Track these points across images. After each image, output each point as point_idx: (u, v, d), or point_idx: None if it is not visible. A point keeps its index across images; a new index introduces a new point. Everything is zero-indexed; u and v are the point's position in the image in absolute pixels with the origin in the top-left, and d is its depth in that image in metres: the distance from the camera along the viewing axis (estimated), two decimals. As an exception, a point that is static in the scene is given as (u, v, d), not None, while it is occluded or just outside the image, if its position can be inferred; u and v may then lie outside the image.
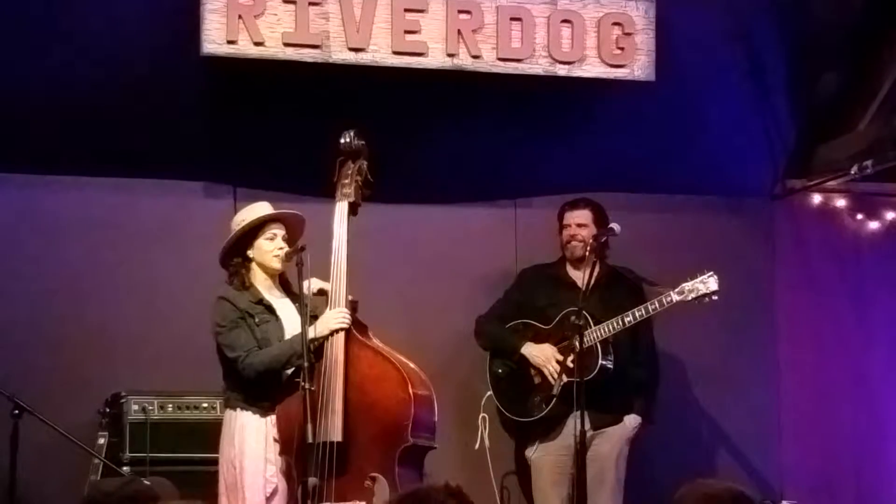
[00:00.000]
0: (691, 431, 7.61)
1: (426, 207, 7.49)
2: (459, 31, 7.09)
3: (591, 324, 6.55)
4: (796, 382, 7.82)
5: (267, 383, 5.96)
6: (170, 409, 6.67)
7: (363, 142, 6.11)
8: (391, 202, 6.97)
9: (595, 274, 6.48)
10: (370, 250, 6.55)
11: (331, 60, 6.98)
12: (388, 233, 7.24)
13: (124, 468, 6.39)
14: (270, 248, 6.07)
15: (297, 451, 5.73)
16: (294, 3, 6.93)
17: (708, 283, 6.56)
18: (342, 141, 6.11)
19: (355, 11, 6.97)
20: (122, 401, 6.62)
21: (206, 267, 6.66)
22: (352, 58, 6.99)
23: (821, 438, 7.80)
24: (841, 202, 8.00)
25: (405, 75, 7.07)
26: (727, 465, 7.59)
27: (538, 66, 7.20)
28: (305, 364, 5.61)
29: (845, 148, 7.73)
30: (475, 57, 7.12)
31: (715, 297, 6.59)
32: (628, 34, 7.27)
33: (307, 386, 5.57)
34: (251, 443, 5.93)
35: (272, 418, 5.95)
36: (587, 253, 6.72)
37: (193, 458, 6.51)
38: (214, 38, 6.85)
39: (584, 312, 6.28)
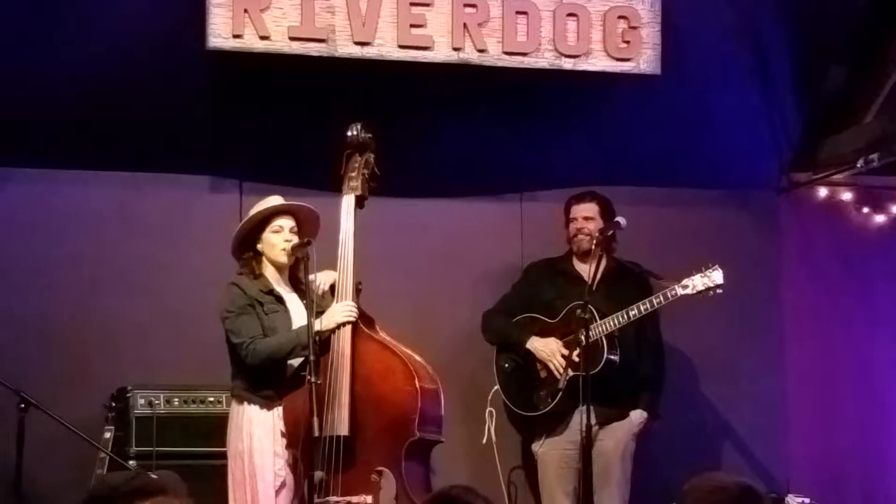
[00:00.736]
0: (697, 425, 7.60)
1: (432, 201, 7.49)
2: (465, 25, 7.09)
3: (597, 318, 6.55)
4: (802, 375, 7.81)
5: (270, 372, 5.97)
6: (176, 403, 6.66)
7: (370, 135, 6.11)
8: (397, 196, 6.98)
9: (601, 268, 6.48)
10: (377, 244, 6.54)
11: (336, 54, 6.98)
12: (395, 226, 7.23)
13: (130, 462, 6.38)
14: (277, 241, 6.07)
15: (303, 445, 5.73)
16: (300, -4, 6.94)
17: (712, 277, 6.56)
18: (349, 134, 6.11)
19: (361, 5, 6.98)
20: (129, 395, 6.62)
21: (212, 261, 6.68)
22: (357, 52, 7.00)
23: (827, 431, 7.80)
24: (847, 195, 7.99)
25: (411, 69, 7.08)
26: (733, 458, 7.58)
27: (544, 59, 7.20)
28: (312, 357, 5.61)
29: (851, 141, 7.72)
30: (481, 51, 7.12)
31: (719, 291, 6.58)
32: (634, 28, 7.27)
33: (314, 379, 5.57)
34: (259, 437, 5.94)
35: (279, 411, 5.95)
36: (593, 246, 6.71)
37: (199, 452, 6.51)
38: (220, 32, 6.85)
39: (589, 306, 6.28)
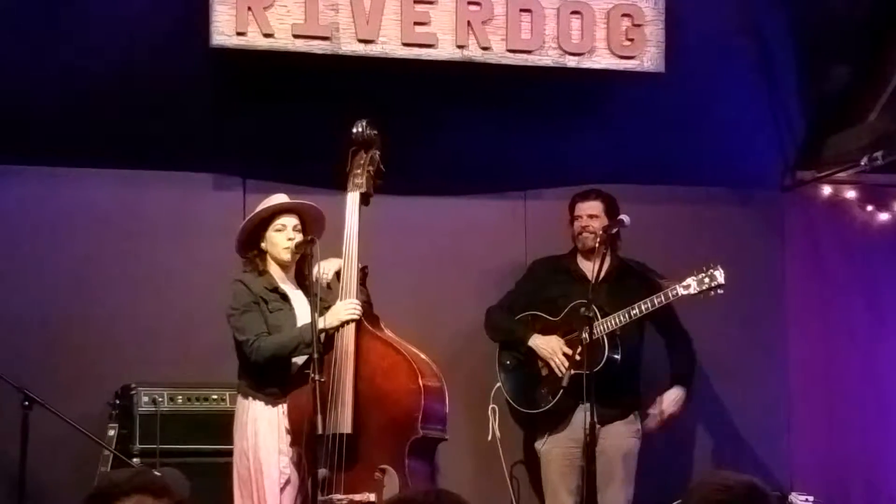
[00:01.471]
0: (701, 424, 7.59)
1: (435, 199, 7.49)
2: (469, 23, 7.08)
3: (599, 316, 6.55)
4: (806, 374, 7.81)
5: (274, 370, 5.97)
6: (180, 400, 6.66)
7: (375, 131, 6.10)
8: (401, 194, 6.96)
9: (605, 266, 6.48)
10: (381, 241, 6.54)
11: (340, 52, 6.97)
12: (399, 224, 7.23)
13: (134, 460, 6.39)
14: (280, 240, 6.08)
15: (307, 443, 5.73)
16: (303, -6, 6.93)
17: (714, 276, 6.55)
18: (354, 131, 6.10)
19: (365, 3, 6.96)
20: (133, 392, 6.62)
21: (215, 259, 6.68)
22: (361, 49, 6.99)
23: (831, 430, 7.79)
24: (851, 193, 7.98)
25: (415, 67, 7.07)
26: (737, 457, 7.56)
27: (548, 57, 7.19)
28: (315, 355, 5.61)
29: (855, 139, 7.72)
30: (485, 48, 7.11)
31: (721, 291, 6.58)
32: (638, 25, 7.26)
33: (317, 377, 5.57)
34: (264, 434, 5.94)
35: (284, 409, 5.95)
36: (597, 244, 6.71)
37: (203, 449, 6.52)
38: (224, 30, 6.85)
39: (592, 305, 6.28)
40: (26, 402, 5.99)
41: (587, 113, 7.43)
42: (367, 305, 6.03)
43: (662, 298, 6.61)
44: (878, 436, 7.86)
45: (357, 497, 5.76)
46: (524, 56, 7.17)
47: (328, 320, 5.91)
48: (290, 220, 6.09)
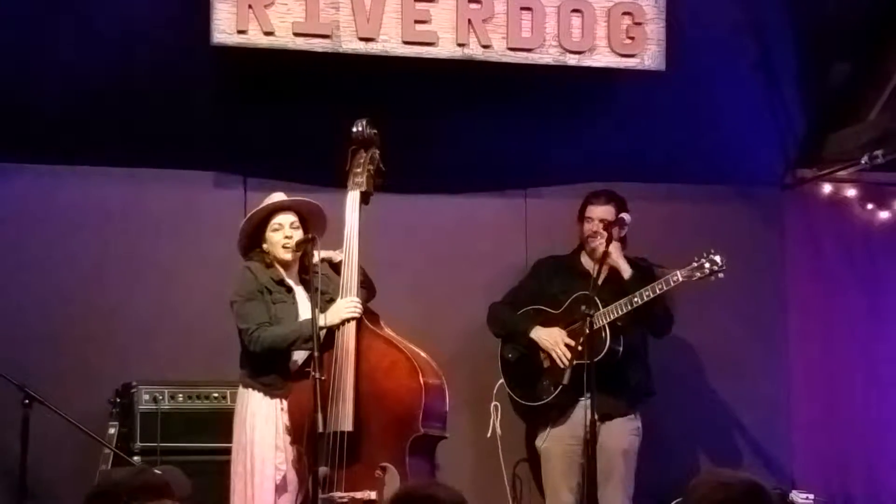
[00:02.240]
0: (702, 421, 7.59)
1: (436, 197, 7.48)
2: (470, 21, 7.08)
3: (600, 307, 6.54)
4: (806, 371, 7.81)
5: (272, 361, 5.99)
6: (180, 398, 6.67)
7: (375, 131, 6.11)
8: (401, 192, 6.96)
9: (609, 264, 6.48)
10: (381, 240, 6.54)
11: (341, 50, 6.98)
12: (399, 222, 7.23)
13: (135, 458, 6.40)
14: (277, 239, 6.09)
15: (307, 441, 5.73)
16: (304, -8, 6.93)
17: (714, 261, 6.52)
18: (354, 129, 6.11)
19: (365, 1, 6.97)
20: (133, 390, 6.63)
21: (216, 257, 6.69)
22: (362, 48, 6.99)
23: (831, 427, 7.79)
24: (851, 192, 7.98)
25: (415, 65, 7.07)
26: (737, 454, 7.57)
27: (548, 55, 7.19)
28: (316, 353, 5.61)
29: (856, 137, 7.71)
30: (485, 47, 7.11)
31: (721, 275, 6.53)
32: (638, 24, 7.26)
33: (318, 375, 5.57)
34: (261, 428, 5.95)
35: (283, 404, 5.96)
36: (604, 248, 6.65)
37: (204, 447, 6.52)
38: (224, 28, 6.85)
39: (594, 298, 6.29)
40: (27, 400, 5.98)
41: (587, 111, 7.43)
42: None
43: (663, 285, 6.59)
44: (879, 432, 7.86)
45: (358, 495, 5.76)
46: (525, 54, 7.16)
47: (328, 318, 5.92)
48: (287, 218, 6.10)
